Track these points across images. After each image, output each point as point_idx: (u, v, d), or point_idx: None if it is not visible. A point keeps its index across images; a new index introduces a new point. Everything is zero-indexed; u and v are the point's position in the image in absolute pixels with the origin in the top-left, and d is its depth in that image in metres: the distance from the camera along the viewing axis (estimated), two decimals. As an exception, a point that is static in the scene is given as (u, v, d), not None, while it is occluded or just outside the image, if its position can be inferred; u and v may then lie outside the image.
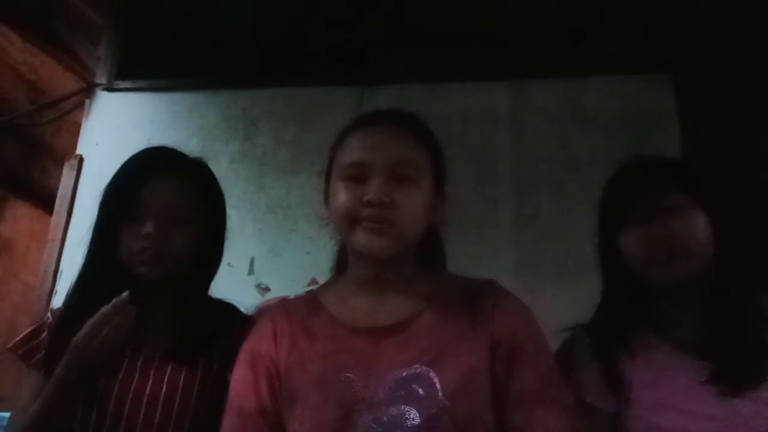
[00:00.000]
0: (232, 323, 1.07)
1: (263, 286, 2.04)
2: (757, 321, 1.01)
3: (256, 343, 0.96)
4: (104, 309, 0.94)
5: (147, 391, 1.01)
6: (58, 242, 2.20)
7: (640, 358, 1.02)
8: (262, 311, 1.03)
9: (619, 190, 1.10)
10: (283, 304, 1.02)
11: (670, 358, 1.00)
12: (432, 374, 0.85)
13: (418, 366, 0.86)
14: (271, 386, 0.91)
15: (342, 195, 0.92)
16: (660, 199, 1.03)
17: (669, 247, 1.00)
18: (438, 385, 0.84)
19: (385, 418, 0.83)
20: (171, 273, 1.06)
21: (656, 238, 1.01)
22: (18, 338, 1.09)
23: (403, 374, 0.85)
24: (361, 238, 0.90)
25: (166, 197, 1.06)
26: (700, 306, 1.03)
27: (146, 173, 1.08)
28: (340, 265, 1.05)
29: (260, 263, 2.07)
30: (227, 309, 1.14)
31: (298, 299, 1.03)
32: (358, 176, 0.91)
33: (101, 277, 1.07)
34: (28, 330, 1.10)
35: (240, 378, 0.94)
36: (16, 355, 1.07)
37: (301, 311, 0.98)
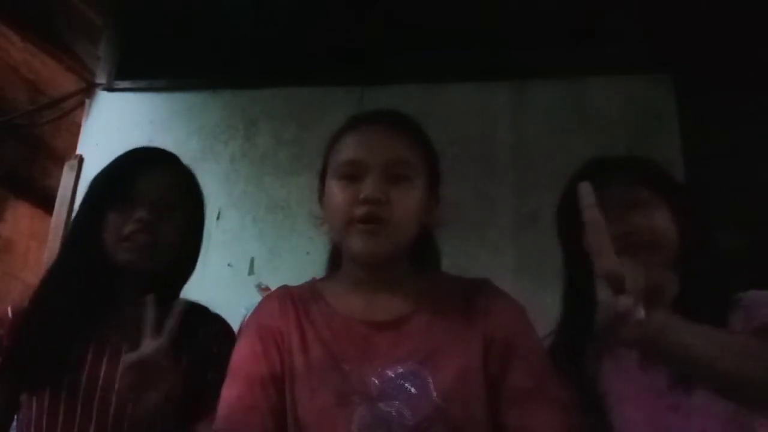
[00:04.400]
0: (202, 322, 1.09)
1: (263, 287, 2.04)
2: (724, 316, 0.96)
3: (262, 317, 0.96)
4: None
5: (116, 385, 1.00)
6: (58, 242, 2.20)
7: (612, 363, 0.99)
8: (265, 298, 1.04)
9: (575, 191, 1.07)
10: (286, 289, 1.03)
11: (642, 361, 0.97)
12: (425, 372, 0.85)
13: (412, 363, 0.86)
14: (280, 356, 0.91)
15: (337, 193, 0.92)
16: (619, 196, 0.98)
17: (634, 243, 0.95)
18: (432, 385, 0.84)
19: (379, 414, 0.83)
20: (154, 262, 1.06)
21: (617, 235, 0.93)
22: None
23: (398, 370, 0.86)
24: (355, 241, 0.90)
25: (158, 187, 1.08)
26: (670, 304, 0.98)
27: (137, 165, 1.10)
28: (334, 264, 1.05)
29: (260, 263, 2.07)
30: (197, 308, 1.14)
31: (299, 286, 1.03)
32: (353, 174, 0.92)
33: (80, 263, 1.06)
34: None
35: (246, 347, 0.93)
36: None
37: (303, 296, 0.98)
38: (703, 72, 1.99)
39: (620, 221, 0.96)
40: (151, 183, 1.08)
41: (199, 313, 1.13)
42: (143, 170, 1.09)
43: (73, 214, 2.20)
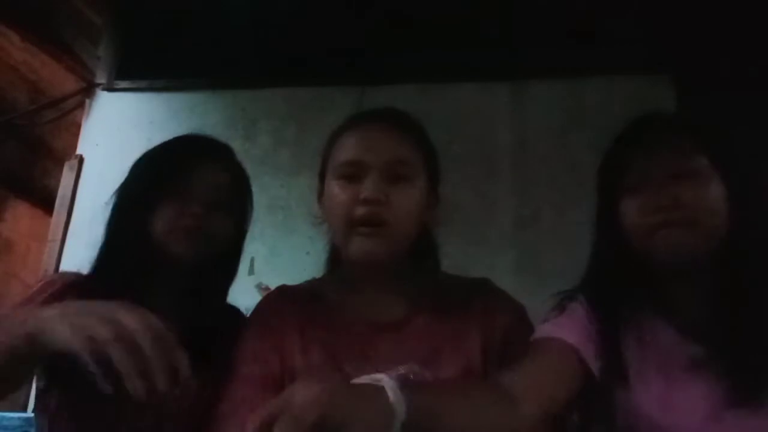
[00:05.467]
0: (237, 324, 1.05)
1: (263, 287, 2.04)
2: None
3: (262, 318, 0.97)
4: None
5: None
6: (58, 242, 2.20)
7: (645, 343, 0.91)
8: (265, 298, 1.04)
9: (621, 150, 0.96)
10: (286, 288, 1.03)
11: (678, 347, 0.90)
12: (426, 374, 0.85)
13: (412, 364, 0.86)
14: (279, 356, 0.91)
15: (338, 193, 0.92)
16: (669, 163, 0.88)
17: (678, 217, 0.85)
18: None
19: None
20: (204, 257, 1.02)
21: (664, 206, 0.86)
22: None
23: (400, 371, 0.85)
24: (355, 245, 0.89)
25: (214, 179, 1.05)
26: (712, 291, 0.89)
27: (194, 154, 1.06)
28: (333, 263, 1.05)
29: (260, 263, 2.07)
30: (233, 311, 1.14)
31: (299, 286, 1.03)
32: (353, 175, 0.91)
33: (129, 254, 1.01)
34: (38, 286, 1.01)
35: (245, 348, 0.93)
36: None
37: (302, 296, 0.99)
38: (703, 72, 1.99)
39: (666, 191, 0.86)
40: (208, 175, 1.04)
41: (234, 315, 1.12)
42: (200, 160, 1.05)
43: (73, 215, 2.23)
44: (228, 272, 1.12)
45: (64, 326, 0.68)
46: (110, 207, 1.06)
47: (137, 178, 1.06)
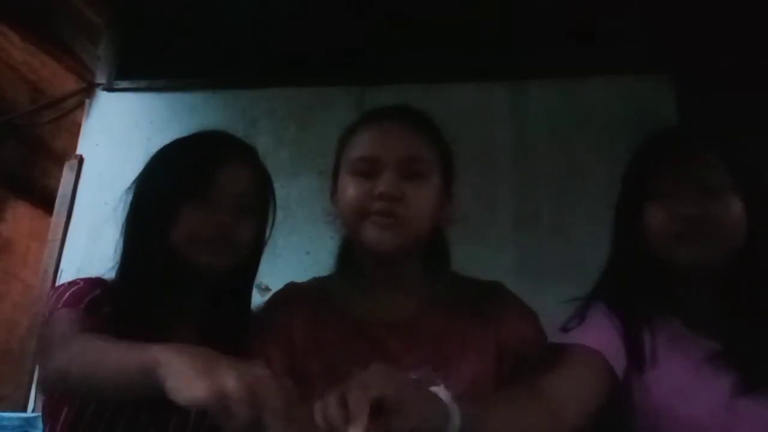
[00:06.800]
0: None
1: (263, 286, 2.03)
2: None
3: (270, 318, 0.97)
4: None
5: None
6: (58, 242, 2.20)
7: (661, 340, 0.95)
8: (274, 295, 1.03)
9: (655, 157, 1.00)
10: (294, 287, 1.02)
11: (689, 342, 0.94)
12: (438, 381, 0.84)
13: (426, 368, 0.86)
14: (289, 358, 0.91)
15: (352, 189, 0.91)
16: (701, 177, 0.93)
17: (702, 231, 0.91)
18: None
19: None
20: (228, 265, 0.98)
21: (691, 218, 0.91)
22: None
23: (411, 377, 0.85)
24: (370, 233, 0.89)
25: (239, 184, 0.99)
26: (723, 294, 0.96)
27: (217, 156, 1.00)
28: (343, 262, 1.04)
29: (260, 263, 2.07)
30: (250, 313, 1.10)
31: (307, 285, 1.03)
32: (368, 171, 0.91)
33: (151, 266, 0.95)
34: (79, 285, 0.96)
35: (256, 348, 0.93)
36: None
37: (311, 295, 0.99)
38: (703, 72, 1.99)
39: (695, 204, 0.92)
40: (233, 179, 0.98)
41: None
42: (226, 161, 0.99)
43: (73, 215, 2.22)
44: (250, 277, 1.08)
45: (194, 380, 0.62)
46: (127, 206, 1.00)
47: (158, 178, 1.01)
